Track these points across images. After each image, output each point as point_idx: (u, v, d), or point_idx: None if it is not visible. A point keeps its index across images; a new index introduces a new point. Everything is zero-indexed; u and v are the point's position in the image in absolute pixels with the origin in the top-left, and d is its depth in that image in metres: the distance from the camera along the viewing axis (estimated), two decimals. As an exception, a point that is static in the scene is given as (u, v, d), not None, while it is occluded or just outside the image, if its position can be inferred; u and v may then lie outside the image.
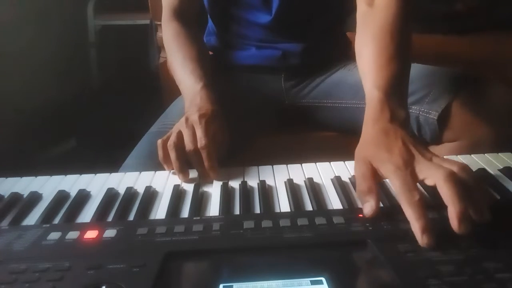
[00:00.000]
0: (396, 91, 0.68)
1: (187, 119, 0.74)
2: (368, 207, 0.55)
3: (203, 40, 1.03)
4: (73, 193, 0.65)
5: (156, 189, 0.67)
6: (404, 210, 0.51)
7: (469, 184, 0.51)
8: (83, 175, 0.71)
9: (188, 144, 0.70)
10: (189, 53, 0.89)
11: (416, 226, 0.48)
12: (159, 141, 0.72)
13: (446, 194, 0.49)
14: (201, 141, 0.70)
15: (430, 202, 0.57)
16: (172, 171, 0.71)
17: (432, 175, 0.52)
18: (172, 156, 0.69)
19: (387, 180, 0.66)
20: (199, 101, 0.79)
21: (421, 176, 0.54)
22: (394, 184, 0.54)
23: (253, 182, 0.67)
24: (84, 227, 0.53)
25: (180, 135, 0.72)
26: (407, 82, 0.71)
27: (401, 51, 0.73)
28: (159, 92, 1.36)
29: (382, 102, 0.65)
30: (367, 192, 0.56)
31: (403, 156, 0.56)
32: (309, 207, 0.60)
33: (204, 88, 0.81)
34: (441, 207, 0.50)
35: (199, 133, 0.71)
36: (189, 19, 0.96)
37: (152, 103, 1.22)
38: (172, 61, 0.91)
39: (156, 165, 0.73)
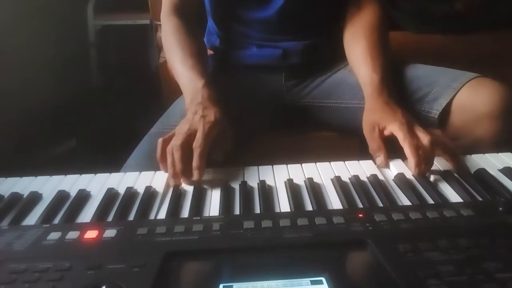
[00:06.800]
0: (389, 79, 0.84)
1: (191, 121, 0.73)
2: (379, 160, 0.73)
3: (202, 37, 1.03)
4: (73, 193, 0.65)
5: (156, 189, 0.67)
6: (406, 151, 0.68)
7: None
8: (83, 175, 0.71)
9: (184, 140, 0.70)
10: (189, 49, 0.89)
11: (412, 161, 0.67)
12: (160, 140, 0.72)
13: (430, 152, 0.68)
14: (198, 141, 0.70)
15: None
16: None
17: (423, 137, 0.70)
18: (176, 157, 0.69)
19: (388, 180, 0.66)
20: (201, 99, 0.78)
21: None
22: (399, 135, 0.70)
23: (253, 182, 0.67)
24: (84, 227, 0.53)
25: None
26: (390, 74, 0.87)
27: (386, 47, 0.90)
28: (159, 92, 1.36)
29: (381, 83, 0.82)
30: (377, 149, 0.74)
31: (404, 118, 0.73)
32: (309, 207, 0.60)
33: (205, 86, 0.81)
34: (441, 207, 0.53)
35: (199, 134, 0.71)
36: (188, 15, 0.96)
37: (152, 103, 1.22)
38: (171, 57, 0.90)
39: (156, 167, 0.72)
